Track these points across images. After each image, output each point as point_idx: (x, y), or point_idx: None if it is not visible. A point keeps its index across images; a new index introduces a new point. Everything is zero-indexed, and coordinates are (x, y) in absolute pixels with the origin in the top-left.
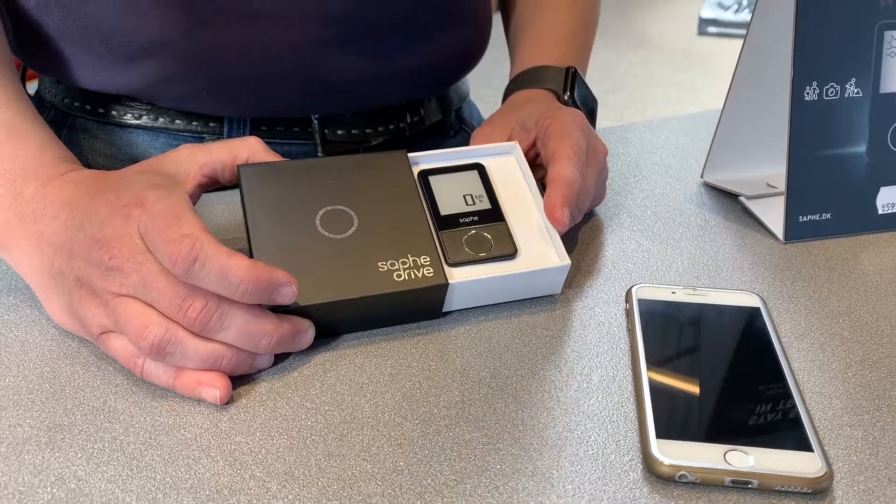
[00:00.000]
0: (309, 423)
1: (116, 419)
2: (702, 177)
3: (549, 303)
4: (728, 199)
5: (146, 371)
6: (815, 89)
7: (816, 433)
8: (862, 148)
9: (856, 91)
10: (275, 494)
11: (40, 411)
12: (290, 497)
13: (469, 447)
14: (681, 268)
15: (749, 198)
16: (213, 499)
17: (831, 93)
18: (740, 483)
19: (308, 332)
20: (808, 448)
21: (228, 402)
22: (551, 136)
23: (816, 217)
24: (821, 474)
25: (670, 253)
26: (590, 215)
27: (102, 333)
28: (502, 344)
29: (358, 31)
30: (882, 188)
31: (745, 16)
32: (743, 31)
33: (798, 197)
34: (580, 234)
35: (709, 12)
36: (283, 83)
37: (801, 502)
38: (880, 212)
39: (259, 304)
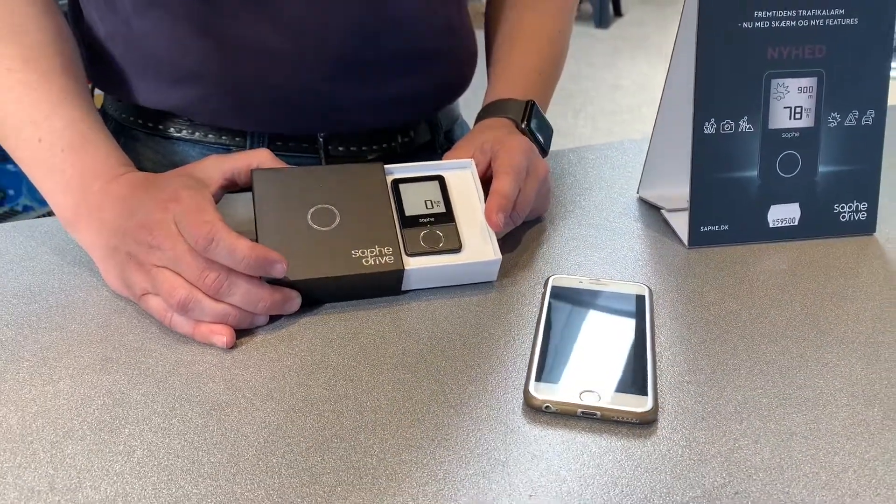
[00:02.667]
0: (289, 363)
1: (150, 355)
2: (637, 192)
3: (485, 287)
4: (653, 212)
5: (173, 322)
6: (713, 124)
7: (655, 383)
8: (755, 172)
9: (748, 127)
10: (257, 408)
11: (96, 348)
12: (267, 410)
13: (402, 385)
14: (599, 264)
15: (668, 210)
16: (213, 409)
17: (727, 128)
18: (588, 414)
19: (295, 300)
20: (644, 393)
21: (232, 347)
22: (498, 157)
23: (715, 228)
24: (647, 411)
25: (594, 253)
26: (537, 220)
27: (143, 294)
28: (443, 315)
29: (354, 66)
30: (772, 206)
31: None
32: None
33: (699, 211)
34: (524, 235)
35: None
36: (293, 107)
37: (634, 430)
38: (771, 225)
39: (259, 277)
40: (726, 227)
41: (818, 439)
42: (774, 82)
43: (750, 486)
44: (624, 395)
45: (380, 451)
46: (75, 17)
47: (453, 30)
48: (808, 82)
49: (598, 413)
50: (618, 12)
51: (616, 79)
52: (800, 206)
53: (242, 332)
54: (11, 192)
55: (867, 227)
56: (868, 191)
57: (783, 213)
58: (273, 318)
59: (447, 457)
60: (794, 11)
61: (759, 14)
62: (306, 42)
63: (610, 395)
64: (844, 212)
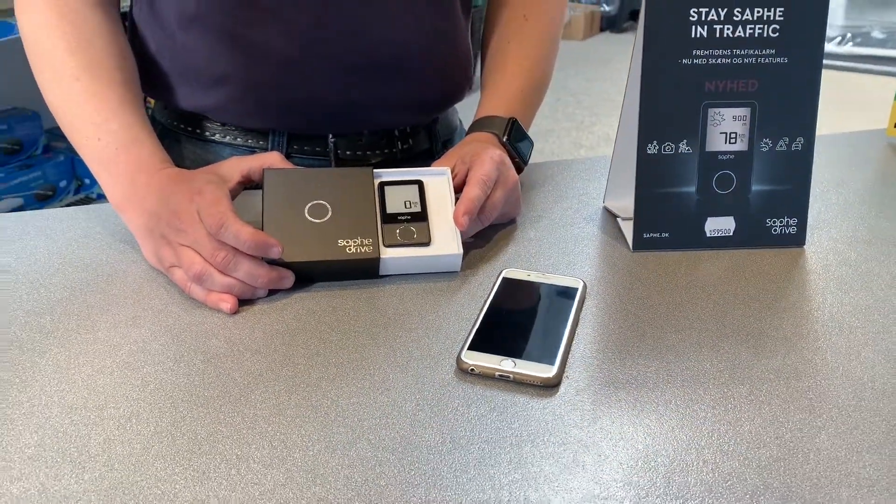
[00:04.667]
0: (277, 327)
1: (170, 315)
2: (603, 203)
3: (449, 276)
4: (613, 220)
5: (191, 290)
6: (655, 146)
7: (564, 356)
8: (693, 188)
9: (687, 149)
10: (247, 359)
11: (130, 308)
12: (254, 361)
13: (362, 348)
14: (552, 262)
15: (623, 219)
16: (212, 358)
17: (668, 149)
18: (503, 376)
19: (288, 277)
20: (552, 363)
21: (234, 312)
22: (472, 168)
23: (657, 235)
24: (550, 377)
25: (551, 252)
26: (510, 223)
27: (170, 267)
28: (409, 297)
29: (354, 72)
30: (709, 218)
31: (849, 48)
32: (846, 63)
33: (642, 219)
34: (494, 235)
35: None
36: (304, 108)
37: (539, 391)
38: (708, 235)
39: (260, 258)
40: (667, 234)
41: (688, 408)
42: (711, 111)
43: (628, 452)
44: (535, 363)
45: (335, 395)
46: (132, 36)
47: (446, 43)
48: (742, 112)
49: (511, 376)
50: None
51: None
52: (734, 219)
53: (244, 302)
54: (87, 181)
55: (797, 240)
56: (798, 208)
57: (719, 225)
58: (271, 292)
59: (386, 402)
60: (729, 50)
61: (698, 52)
62: (313, 51)
63: (523, 363)
64: (776, 226)
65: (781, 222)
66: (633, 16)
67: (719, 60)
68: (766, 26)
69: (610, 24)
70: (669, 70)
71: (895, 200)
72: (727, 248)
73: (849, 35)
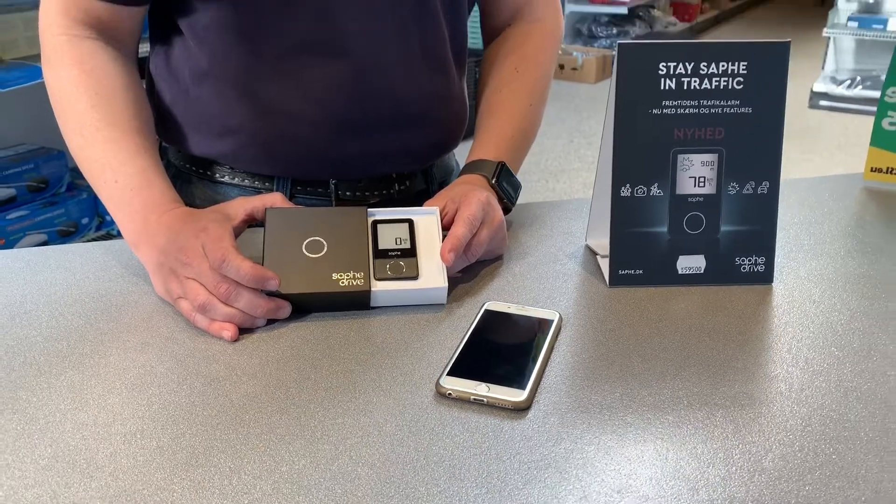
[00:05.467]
0: (273, 354)
1: (175, 342)
2: (585, 241)
3: (436, 308)
4: (593, 256)
5: (195, 319)
6: (628, 188)
7: (536, 382)
8: (664, 228)
9: (658, 192)
10: (244, 382)
11: (139, 335)
12: (250, 384)
13: (350, 373)
14: (533, 296)
15: (601, 256)
16: (212, 381)
17: (640, 192)
18: (477, 400)
19: (285, 308)
20: (523, 388)
21: (235, 340)
22: (460, 207)
23: (632, 272)
24: (521, 401)
25: (534, 287)
26: (496, 259)
27: (177, 298)
28: (397, 327)
29: (356, 127)
30: (681, 256)
31: (858, 91)
32: (854, 106)
33: (617, 257)
34: (481, 270)
35: (821, 86)
36: (309, 157)
37: (510, 414)
38: (680, 272)
39: (259, 290)
40: (641, 271)
41: (646, 431)
42: (680, 157)
43: (586, 469)
44: (507, 388)
45: (322, 416)
46: (149, 87)
47: (439, 98)
48: (710, 157)
49: (485, 400)
50: None
51: None
52: (705, 258)
53: (244, 330)
54: (108, 218)
55: (765, 278)
56: (765, 247)
57: (690, 263)
58: (269, 322)
59: (368, 422)
60: (696, 101)
61: (667, 103)
62: (318, 106)
63: (496, 388)
64: (745, 264)
65: (750, 261)
66: None
67: (687, 110)
68: (730, 79)
69: None
70: (641, 119)
71: (864, 241)
72: (698, 284)
73: (858, 78)
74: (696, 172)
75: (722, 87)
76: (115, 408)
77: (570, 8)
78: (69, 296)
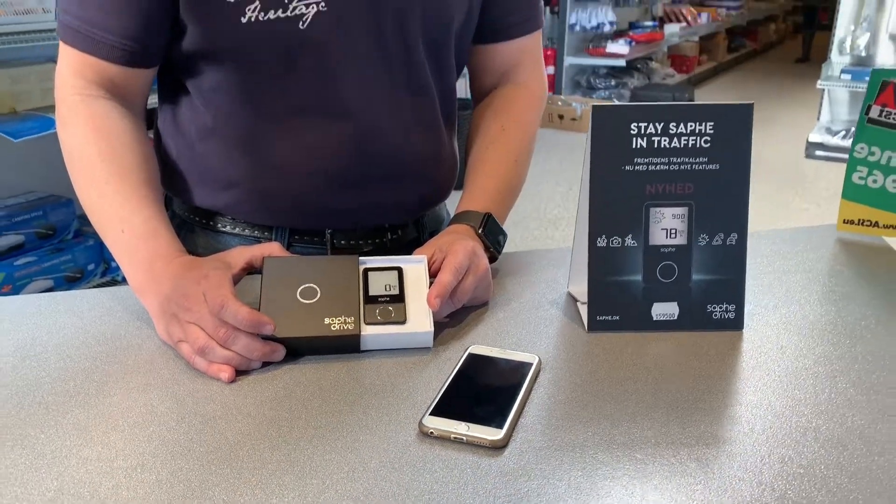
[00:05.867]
0: (267, 394)
1: (176, 383)
2: (567, 288)
3: (423, 351)
4: (574, 303)
5: (195, 362)
6: (604, 239)
7: (513, 422)
8: (639, 277)
9: (633, 242)
10: (239, 421)
11: (142, 377)
12: (244, 423)
13: (339, 413)
14: (516, 340)
15: (581, 303)
16: (209, 420)
17: (615, 242)
18: (457, 438)
19: (280, 351)
20: (501, 427)
21: (232, 381)
22: (447, 255)
23: (609, 318)
24: (498, 439)
25: (516, 331)
26: (482, 305)
27: (179, 342)
28: (385, 369)
29: (353, 182)
30: (655, 303)
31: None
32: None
33: (595, 304)
34: (467, 315)
35: (817, 137)
36: (307, 210)
37: (488, 452)
38: (655, 318)
39: (255, 334)
40: (618, 317)
41: (614, 469)
42: (653, 210)
43: (547, 500)
44: (486, 427)
45: (311, 452)
46: (156, 142)
47: (431, 157)
48: (681, 211)
49: (464, 438)
50: None
51: None
52: (678, 305)
53: (241, 372)
54: (113, 264)
55: (736, 324)
56: (735, 295)
57: (664, 310)
58: (265, 364)
59: (354, 459)
60: (666, 159)
61: (639, 160)
62: (317, 163)
63: (476, 426)
64: (716, 311)
65: (721, 308)
66: None
67: (658, 167)
68: (698, 138)
69: None
70: (615, 175)
71: (834, 290)
72: (672, 330)
73: (853, 130)
74: (668, 224)
75: (690, 145)
76: (117, 444)
77: (570, 61)
78: (77, 339)
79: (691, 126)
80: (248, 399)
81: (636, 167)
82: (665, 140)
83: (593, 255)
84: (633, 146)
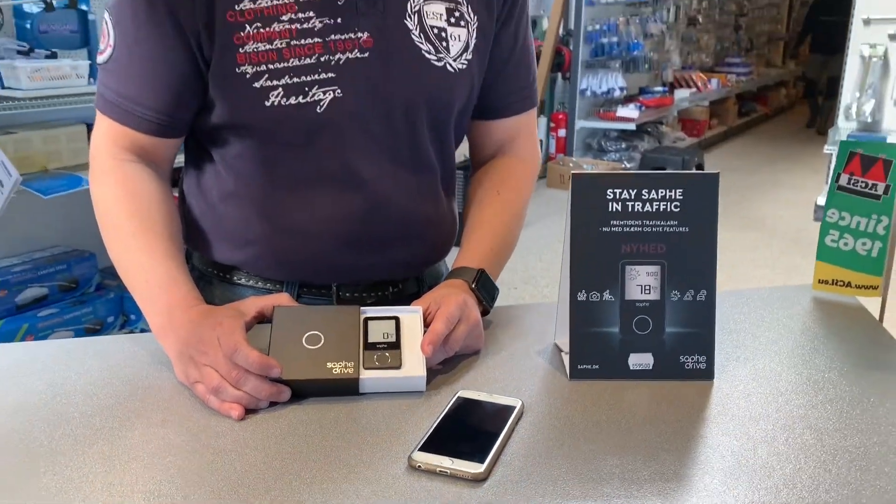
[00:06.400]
0: (273, 431)
1: (191, 419)
2: (554, 339)
3: (416, 394)
4: (559, 353)
5: (209, 400)
6: (584, 294)
7: (494, 458)
8: (616, 329)
9: (610, 297)
10: (247, 455)
11: (161, 413)
12: (252, 456)
13: (335, 449)
14: (502, 385)
15: (564, 353)
16: (220, 452)
17: (594, 297)
18: (442, 472)
19: (286, 392)
20: (482, 462)
21: (242, 419)
22: (440, 308)
23: (589, 367)
24: (478, 472)
25: (504, 377)
26: (474, 353)
27: (194, 382)
28: (381, 410)
29: (358, 243)
30: (631, 354)
31: None
32: None
33: (576, 353)
34: (459, 363)
35: (824, 200)
36: (316, 267)
37: (469, 484)
38: (632, 368)
39: (264, 376)
40: (597, 366)
41: (584, 501)
42: (628, 268)
43: None
44: (468, 462)
45: (310, 480)
46: (181, 202)
47: (431, 222)
48: (654, 269)
49: (448, 471)
50: None
51: None
52: (652, 356)
53: (250, 410)
54: (133, 317)
55: (707, 374)
56: (706, 347)
57: (640, 360)
58: (272, 404)
59: (349, 488)
60: (640, 221)
61: (615, 222)
62: (329, 228)
63: (458, 461)
64: (688, 362)
65: (693, 359)
66: None
67: (633, 229)
68: (669, 203)
69: None
70: (593, 236)
71: (803, 345)
72: (647, 379)
73: None
74: (643, 281)
75: (661, 209)
76: (137, 471)
77: (581, 124)
78: (102, 379)
79: (662, 192)
80: (256, 434)
81: (613, 228)
82: (639, 205)
83: (574, 309)
84: (610, 209)
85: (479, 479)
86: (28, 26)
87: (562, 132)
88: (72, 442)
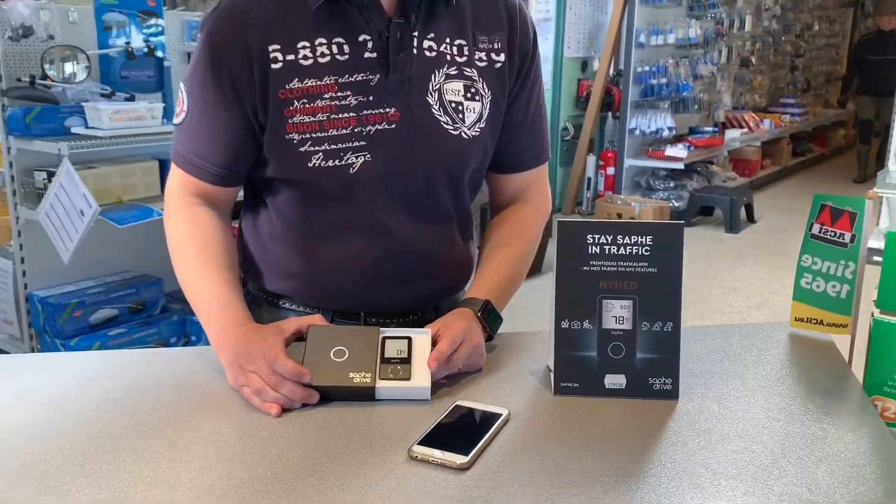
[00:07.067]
0: (305, 426)
1: (237, 416)
2: (547, 361)
3: (422, 402)
4: (549, 373)
5: (252, 400)
6: (566, 322)
7: (479, 452)
8: (594, 353)
9: (589, 326)
10: (281, 443)
11: (212, 411)
12: (286, 443)
13: (348, 443)
14: (496, 398)
15: (552, 372)
16: (258, 441)
17: (575, 325)
18: (434, 461)
19: (315, 396)
20: (467, 454)
21: (278, 416)
22: (446, 330)
23: (570, 385)
24: (463, 462)
25: (498, 392)
26: (476, 371)
27: (241, 385)
28: (392, 413)
29: (384, 278)
30: (607, 374)
31: None
32: None
33: (559, 373)
34: (461, 379)
35: (875, 242)
36: (346, 298)
37: (454, 472)
38: (607, 387)
39: (298, 382)
40: (577, 385)
41: (548, 488)
42: (605, 301)
43: None
44: (456, 454)
45: (329, 464)
46: (239, 237)
47: (446, 262)
48: (627, 303)
49: (439, 461)
50: (751, 219)
51: (733, 281)
52: (625, 377)
53: (285, 410)
54: (194, 338)
55: (672, 394)
56: (672, 371)
57: (614, 380)
58: (304, 405)
59: (359, 471)
60: (615, 263)
61: (594, 263)
62: (359, 267)
63: (449, 453)
64: (656, 383)
65: (660, 381)
66: (704, 211)
67: (609, 268)
68: (640, 247)
69: (678, 218)
70: (575, 274)
71: (769, 375)
72: (621, 397)
73: None
74: (617, 313)
75: (633, 253)
76: (194, 452)
77: (629, 162)
78: (169, 382)
79: (634, 238)
80: (289, 428)
81: (592, 268)
82: (614, 248)
83: (558, 335)
84: (590, 252)
85: (463, 468)
86: (111, 71)
87: (610, 170)
88: (144, 428)
